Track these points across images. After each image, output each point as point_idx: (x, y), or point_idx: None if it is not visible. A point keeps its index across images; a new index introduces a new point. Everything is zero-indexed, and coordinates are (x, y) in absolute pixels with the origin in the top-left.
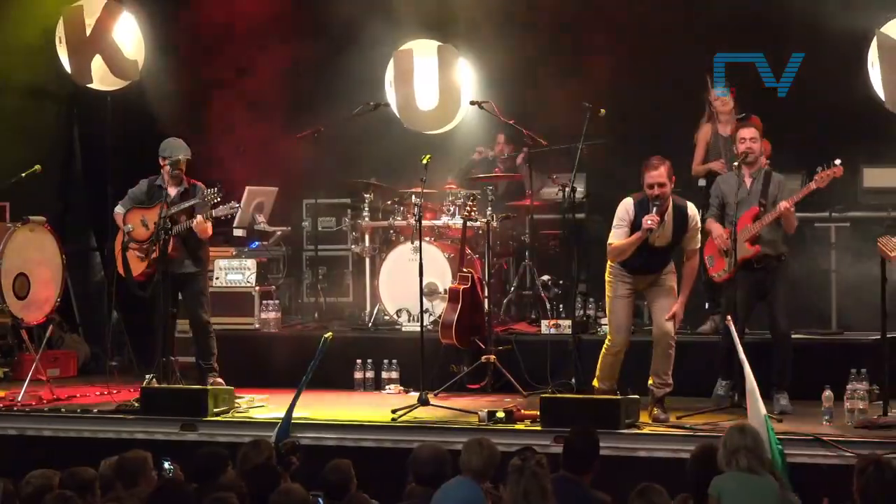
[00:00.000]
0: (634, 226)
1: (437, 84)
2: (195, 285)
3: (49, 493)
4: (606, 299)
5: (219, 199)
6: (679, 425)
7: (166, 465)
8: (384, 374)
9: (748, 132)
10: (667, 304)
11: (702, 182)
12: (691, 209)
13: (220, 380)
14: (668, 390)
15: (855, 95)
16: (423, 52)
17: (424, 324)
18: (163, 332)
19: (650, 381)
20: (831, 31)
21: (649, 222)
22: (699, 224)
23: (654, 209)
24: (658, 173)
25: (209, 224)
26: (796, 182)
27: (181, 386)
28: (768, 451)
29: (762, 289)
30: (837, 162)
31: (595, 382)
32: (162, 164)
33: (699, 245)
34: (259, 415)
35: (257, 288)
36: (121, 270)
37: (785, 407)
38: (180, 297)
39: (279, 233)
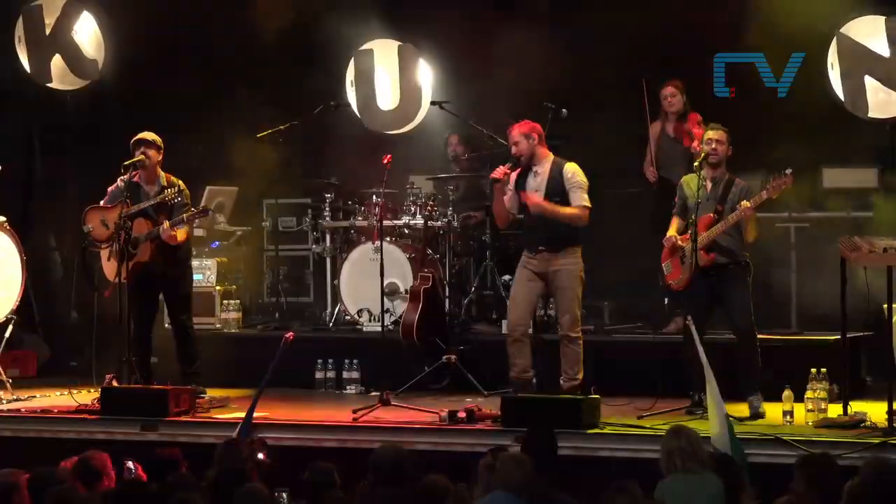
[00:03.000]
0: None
1: (397, 84)
2: (178, 289)
3: (16, 493)
4: None
5: (178, 199)
6: (640, 425)
7: (129, 465)
8: (345, 374)
9: (716, 134)
10: (563, 302)
11: (651, 178)
12: (569, 166)
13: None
14: (574, 384)
15: (814, 96)
16: (383, 52)
17: (385, 324)
18: (131, 332)
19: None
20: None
21: (494, 173)
22: (580, 179)
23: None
24: (512, 134)
25: (177, 231)
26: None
27: (142, 386)
28: (706, 451)
29: (718, 293)
30: (788, 171)
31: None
32: (137, 157)
33: (581, 204)
34: (220, 415)
35: (218, 288)
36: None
37: (758, 409)
38: (161, 297)
39: (240, 233)
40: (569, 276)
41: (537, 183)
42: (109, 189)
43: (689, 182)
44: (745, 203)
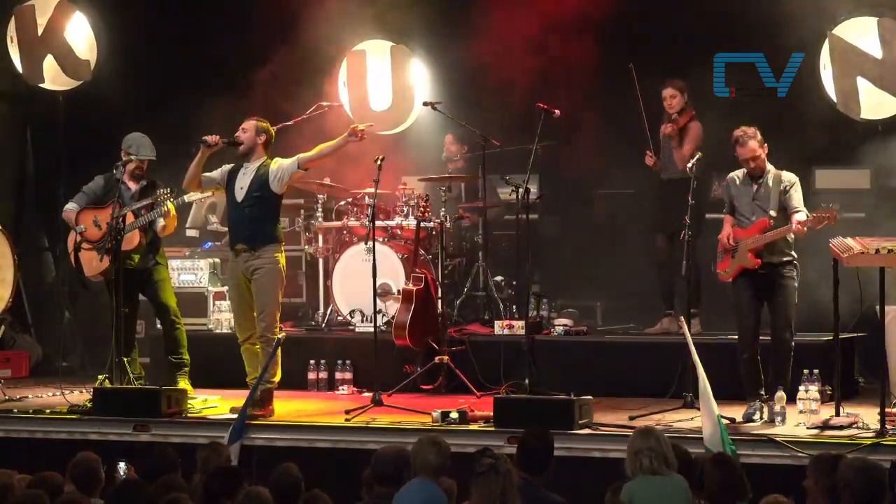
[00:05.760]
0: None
1: (390, 85)
2: (158, 274)
3: (9, 493)
4: None
5: (172, 200)
6: (631, 426)
7: (121, 466)
8: (338, 375)
9: (747, 151)
10: (260, 302)
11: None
12: (274, 163)
13: (186, 380)
14: (270, 387)
15: (813, 96)
16: (376, 52)
17: (378, 324)
18: (117, 331)
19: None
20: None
21: (209, 138)
22: (285, 167)
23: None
24: (247, 121)
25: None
26: None
27: (134, 386)
28: (672, 453)
29: (766, 293)
30: (836, 206)
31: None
32: (125, 157)
33: (295, 156)
34: (212, 415)
35: (210, 288)
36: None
37: (751, 415)
38: (141, 295)
39: None
40: (267, 274)
41: (245, 181)
42: (84, 187)
43: (735, 181)
44: (797, 224)
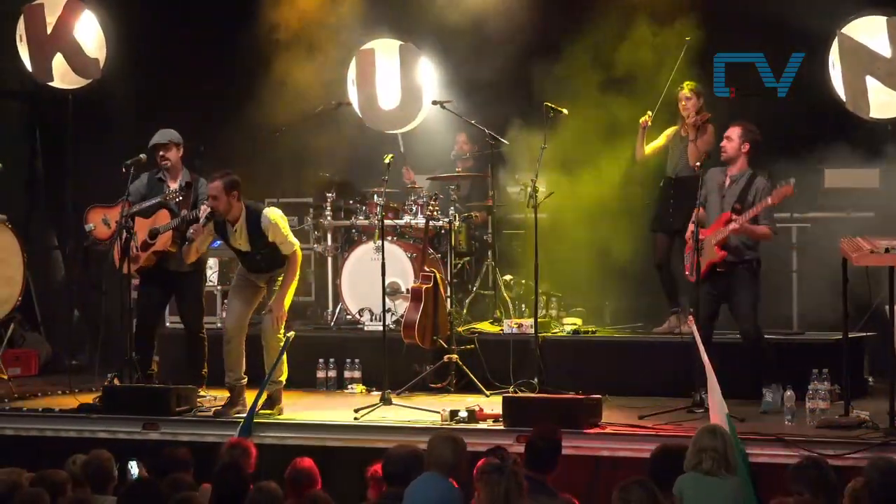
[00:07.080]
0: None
1: (398, 83)
2: (193, 290)
3: (18, 491)
4: None
5: (180, 199)
6: (641, 425)
7: (133, 465)
8: (346, 374)
9: (728, 131)
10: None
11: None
12: (265, 216)
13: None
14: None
15: (814, 96)
16: (384, 51)
17: (387, 323)
18: (134, 327)
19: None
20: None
21: (193, 232)
22: (280, 227)
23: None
24: (211, 186)
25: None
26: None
27: (144, 385)
28: (736, 454)
29: (726, 292)
30: (791, 180)
31: None
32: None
33: (291, 250)
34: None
35: (219, 287)
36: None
37: (769, 405)
38: (174, 298)
39: None
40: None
41: (241, 238)
42: (130, 186)
43: (714, 176)
44: (732, 226)
